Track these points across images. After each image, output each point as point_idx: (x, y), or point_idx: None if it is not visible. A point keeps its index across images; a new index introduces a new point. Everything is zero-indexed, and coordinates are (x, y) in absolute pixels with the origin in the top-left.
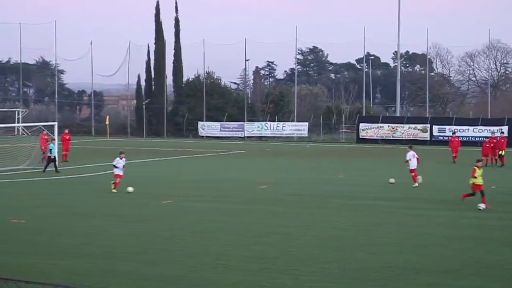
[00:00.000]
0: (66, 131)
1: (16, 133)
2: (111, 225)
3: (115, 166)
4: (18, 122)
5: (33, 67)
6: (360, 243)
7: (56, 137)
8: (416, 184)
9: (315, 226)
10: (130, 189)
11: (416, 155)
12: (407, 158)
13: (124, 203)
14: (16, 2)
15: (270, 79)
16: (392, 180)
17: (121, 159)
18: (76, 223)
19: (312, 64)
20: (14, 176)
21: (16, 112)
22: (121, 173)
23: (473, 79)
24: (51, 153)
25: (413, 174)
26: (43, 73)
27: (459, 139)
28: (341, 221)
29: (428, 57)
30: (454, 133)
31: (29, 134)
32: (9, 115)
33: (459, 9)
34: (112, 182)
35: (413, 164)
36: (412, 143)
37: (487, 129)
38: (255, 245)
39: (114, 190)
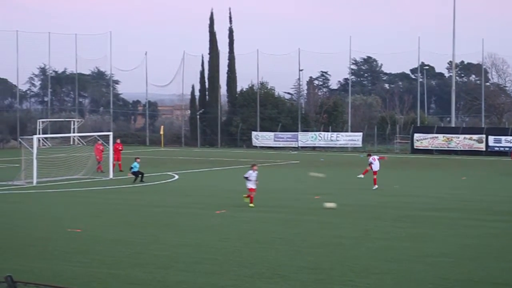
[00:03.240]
0: (118, 141)
1: (71, 143)
2: (166, 235)
3: (247, 179)
4: (73, 132)
5: (88, 78)
6: (416, 255)
7: (111, 146)
8: (376, 187)
9: (370, 237)
10: (331, 205)
11: (376, 158)
12: (371, 162)
13: (179, 213)
14: (72, 13)
15: (324, 89)
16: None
17: (253, 171)
18: (132, 232)
19: (366, 74)
20: (70, 186)
21: (72, 122)
22: (254, 186)
23: None
24: (134, 169)
25: (375, 176)
26: (98, 83)
27: None
28: (396, 232)
29: (484, 67)
30: None
31: (85, 144)
32: (65, 125)
33: None
34: (245, 195)
35: (376, 167)
36: (467, 153)
37: None
38: (310, 255)
39: (251, 205)
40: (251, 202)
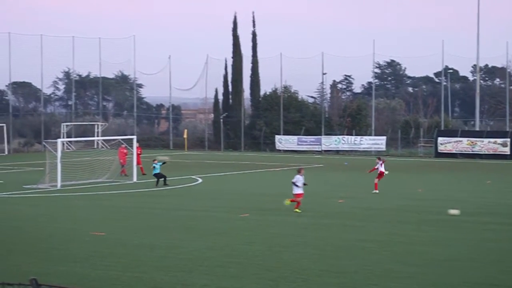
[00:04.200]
0: (137, 145)
1: (95, 146)
2: (190, 238)
3: (295, 184)
4: (97, 136)
5: (112, 81)
6: (439, 259)
7: (134, 150)
8: (377, 191)
9: (393, 241)
10: (455, 211)
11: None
12: (376, 166)
13: (203, 217)
14: (97, 17)
15: (348, 93)
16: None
17: (301, 175)
18: (156, 236)
19: (389, 78)
20: (94, 189)
21: (96, 125)
22: (301, 191)
23: None
24: (155, 170)
25: (377, 181)
26: (122, 87)
27: None
28: (420, 236)
29: (508, 70)
30: None
31: (108, 147)
32: (88, 128)
33: None
34: (288, 199)
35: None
36: (491, 157)
37: None
38: (333, 259)
39: (297, 210)
40: (296, 207)
